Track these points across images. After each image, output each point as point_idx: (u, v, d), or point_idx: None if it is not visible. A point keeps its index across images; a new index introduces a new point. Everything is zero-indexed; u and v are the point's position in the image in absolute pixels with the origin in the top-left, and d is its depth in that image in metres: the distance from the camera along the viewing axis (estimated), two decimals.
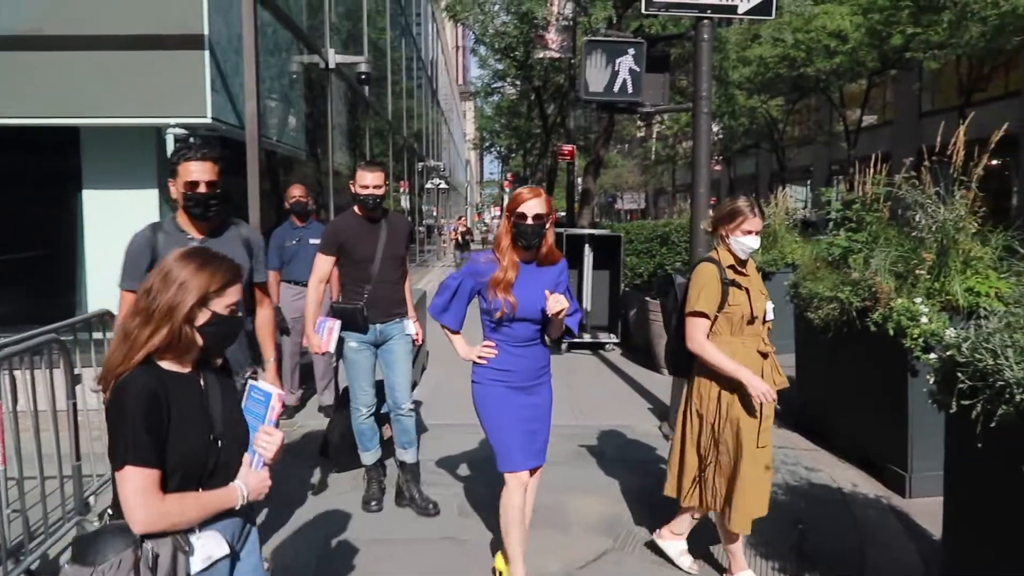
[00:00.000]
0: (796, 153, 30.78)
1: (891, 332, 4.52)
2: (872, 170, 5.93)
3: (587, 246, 9.88)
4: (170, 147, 6.03)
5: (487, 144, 39.53)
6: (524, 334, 3.24)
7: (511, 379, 3.27)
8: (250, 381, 2.07)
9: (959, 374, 2.46)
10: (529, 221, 3.10)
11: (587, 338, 9.75)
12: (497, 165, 54.85)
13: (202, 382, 1.88)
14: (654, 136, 37.49)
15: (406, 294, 4.67)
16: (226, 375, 2.00)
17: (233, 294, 1.84)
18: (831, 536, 4.09)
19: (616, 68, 6.09)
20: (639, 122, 35.36)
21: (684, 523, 3.76)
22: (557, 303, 3.07)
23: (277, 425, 1.98)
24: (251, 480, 1.89)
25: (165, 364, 1.81)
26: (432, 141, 30.01)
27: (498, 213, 57.13)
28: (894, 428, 4.66)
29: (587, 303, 9.85)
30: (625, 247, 9.82)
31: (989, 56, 18.73)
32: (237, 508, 1.87)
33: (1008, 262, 4.68)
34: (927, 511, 4.28)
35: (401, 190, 21.74)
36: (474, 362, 3.32)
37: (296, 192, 6.36)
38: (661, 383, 7.48)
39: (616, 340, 9.78)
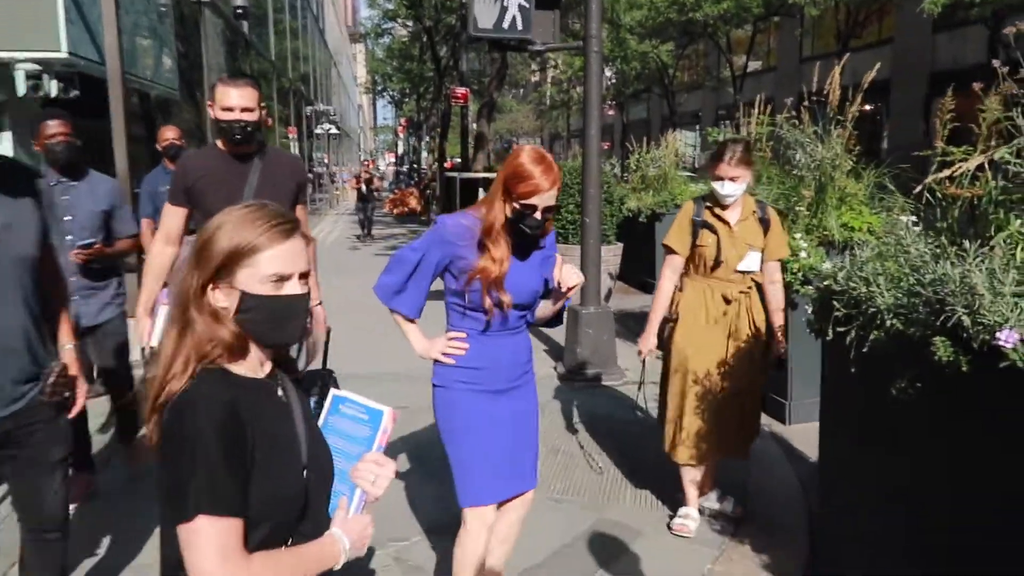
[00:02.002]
0: (686, 98, 31.41)
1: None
2: (756, 113, 6.08)
3: (481, 190, 9.77)
4: (20, 85, 5.49)
5: (379, 88, 38.37)
6: (507, 320, 2.48)
7: (486, 380, 2.49)
8: (333, 391, 1.60)
9: (835, 303, 2.55)
10: (538, 215, 2.36)
11: None
12: (391, 110, 53.51)
13: (281, 392, 1.41)
14: (549, 81, 37.38)
15: None
16: (295, 380, 1.50)
17: (276, 260, 1.31)
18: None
19: (505, 4, 5.93)
20: (533, 66, 35.13)
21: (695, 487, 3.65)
22: (574, 275, 2.41)
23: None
24: (353, 528, 1.42)
25: (237, 368, 1.35)
26: (321, 85, 28.87)
27: (393, 160, 55.92)
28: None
29: None
30: None
31: (864, 3, 19.52)
32: (338, 567, 1.39)
33: (879, 198, 4.91)
34: (805, 436, 4.51)
35: (290, 136, 20.87)
36: (435, 360, 2.54)
37: (169, 134, 5.92)
38: None
39: None
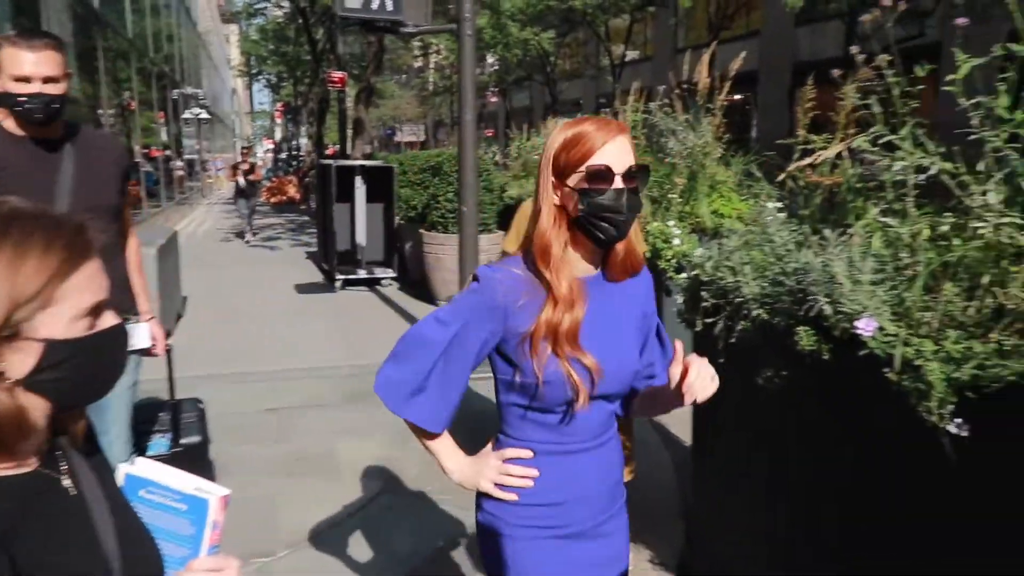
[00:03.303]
0: (567, 86, 31.79)
1: (647, 255, 4.69)
2: (631, 100, 6.11)
3: (358, 179, 9.46)
4: None
5: (255, 72, 36.78)
6: (594, 422, 1.61)
7: (565, 519, 1.62)
8: (126, 469, 1.14)
9: (704, 292, 2.52)
10: (618, 185, 1.46)
11: (362, 274, 9.42)
12: (267, 95, 51.47)
13: (69, 481, 1.00)
14: (431, 66, 36.96)
15: (131, 273, 2.81)
16: (92, 446, 1.09)
17: (88, 286, 0.94)
18: None
19: None
20: (416, 51, 34.60)
21: None
22: (709, 382, 1.50)
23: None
24: None
25: None
26: (190, 66, 27.32)
27: (271, 147, 53.73)
28: None
29: (361, 238, 9.49)
30: (398, 179, 9.52)
31: None
32: None
33: (748, 185, 5.01)
34: (682, 421, 4.57)
35: (159, 120, 19.60)
36: (488, 496, 1.63)
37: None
38: None
39: (393, 275, 9.55)
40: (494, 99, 32.27)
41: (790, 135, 2.95)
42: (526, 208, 3.08)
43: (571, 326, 1.49)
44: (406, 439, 4.44)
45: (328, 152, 22.23)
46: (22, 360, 0.88)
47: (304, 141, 39.66)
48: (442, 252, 7.94)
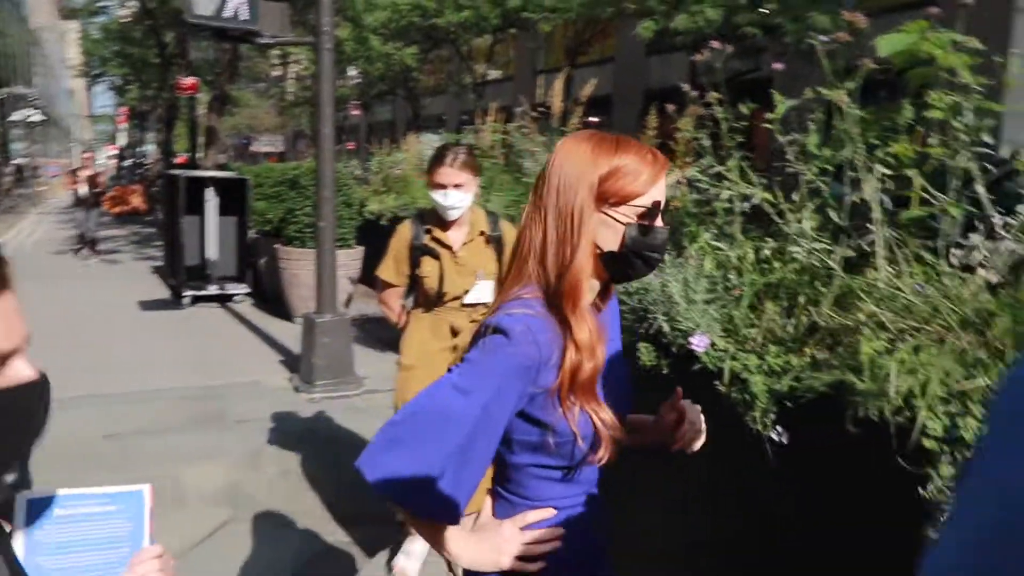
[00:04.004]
0: (430, 102, 31.85)
1: None
2: (491, 120, 6.24)
3: (209, 191, 9.06)
4: None
5: (96, 72, 34.37)
6: (599, 468, 1.46)
7: (593, 570, 1.48)
8: (26, 494, 1.04)
9: None
10: (662, 223, 1.34)
11: (213, 290, 9.01)
12: (111, 97, 48.18)
13: None
14: (292, 75, 35.94)
15: None
16: None
17: (3, 330, 0.82)
18: None
19: None
20: (274, 60, 33.55)
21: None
22: (697, 422, 1.51)
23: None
24: None
25: None
26: (21, 64, 25.19)
27: (116, 152, 50.25)
28: None
29: (212, 252, 9.08)
30: (254, 191, 9.20)
31: (589, 24, 21.11)
32: None
33: None
34: None
35: None
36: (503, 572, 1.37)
37: None
38: (293, 332, 7.18)
39: (247, 290, 9.20)
40: (356, 112, 31.82)
41: None
42: (402, 234, 2.91)
43: (592, 374, 1.31)
44: (255, 463, 4.28)
45: (177, 161, 21.09)
46: None
47: (151, 148, 37.45)
48: (299, 268, 7.73)
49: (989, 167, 2.18)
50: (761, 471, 2.04)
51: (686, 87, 2.50)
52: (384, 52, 22.77)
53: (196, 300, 8.88)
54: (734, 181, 2.19)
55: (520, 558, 1.34)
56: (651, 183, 1.29)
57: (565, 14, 19.84)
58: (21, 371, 0.83)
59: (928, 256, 2.13)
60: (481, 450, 1.27)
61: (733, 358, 2.06)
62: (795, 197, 2.17)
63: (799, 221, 2.14)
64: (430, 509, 1.27)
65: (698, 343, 2.07)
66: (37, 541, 1.03)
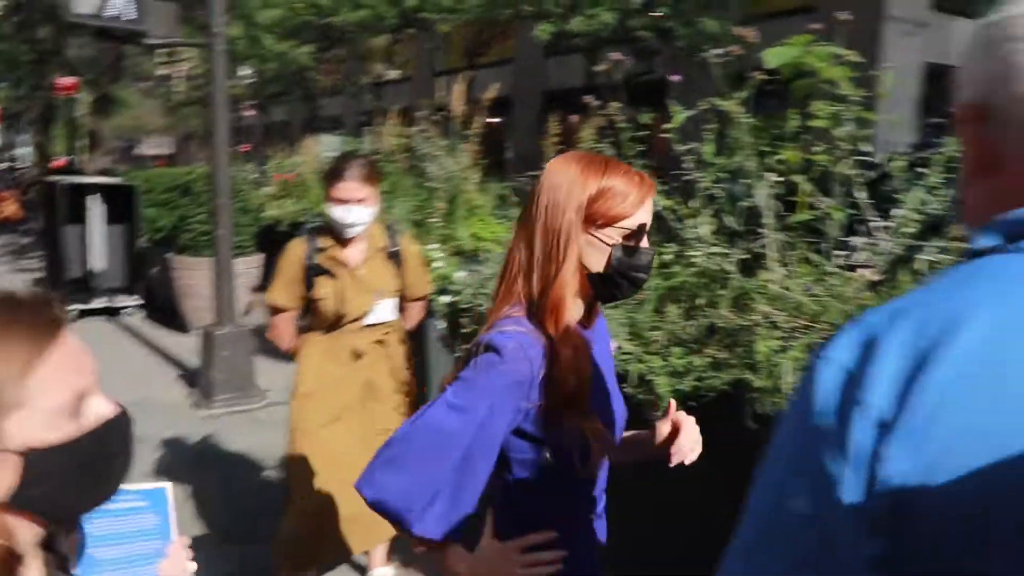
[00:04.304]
0: (327, 102, 31.26)
1: None
2: (391, 122, 6.19)
3: (93, 198, 8.58)
4: None
5: None
6: (601, 482, 1.52)
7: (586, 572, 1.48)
8: None
9: (463, 319, 2.62)
10: (646, 244, 1.38)
11: (100, 303, 8.55)
12: None
13: None
14: (182, 74, 34.48)
15: None
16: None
17: (64, 374, 0.80)
18: None
19: None
20: (161, 59, 32.11)
21: None
22: (693, 436, 1.51)
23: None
24: None
25: None
26: None
27: None
28: (418, 366, 4.97)
29: (97, 263, 8.61)
30: (143, 197, 8.79)
31: (488, 25, 21.23)
32: None
33: (503, 208, 5.28)
34: None
35: None
36: None
37: None
38: (188, 345, 6.90)
39: (138, 303, 8.77)
40: (250, 113, 30.87)
41: (540, 158, 3.16)
42: (293, 253, 2.74)
43: (580, 389, 1.34)
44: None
45: (55, 165, 19.89)
46: (0, 477, 0.73)
47: (25, 151, 35.14)
48: (194, 277, 7.43)
49: (866, 172, 2.33)
50: (665, 469, 2.12)
51: (588, 98, 2.56)
52: (278, 51, 22.18)
53: (83, 314, 8.40)
54: None
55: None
56: (638, 205, 1.32)
57: (463, 15, 19.89)
58: (100, 408, 0.83)
59: (815, 257, 2.26)
60: (478, 468, 1.28)
61: (639, 360, 2.12)
62: (693, 203, 2.26)
63: (697, 226, 2.23)
64: (428, 528, 1.28)
65: (615, 347, 2.12)
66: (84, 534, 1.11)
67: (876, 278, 2.25)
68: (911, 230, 2.25)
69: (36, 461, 0.75)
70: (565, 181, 1.33)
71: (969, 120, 0.74)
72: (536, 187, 1.36)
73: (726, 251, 2.20)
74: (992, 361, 0.60)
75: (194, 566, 1.22)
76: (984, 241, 0.70)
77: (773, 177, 2.22)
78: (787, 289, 2.13)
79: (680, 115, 2.18)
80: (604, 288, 1.37)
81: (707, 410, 2.04)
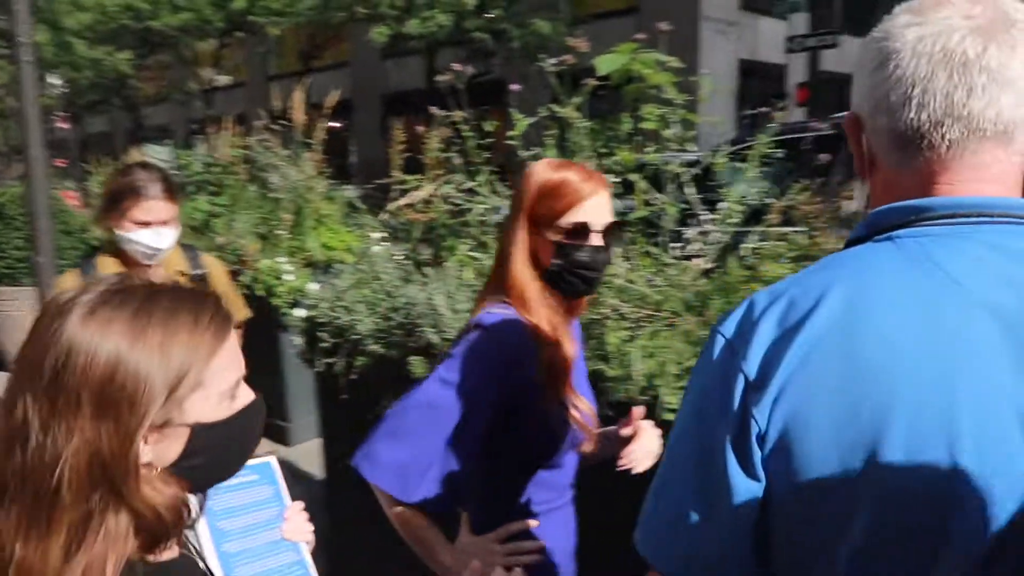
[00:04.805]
0: (152, 111, 29.41)
1: (262, 292, 4.63)
2: (227, 131, 5.94)
3: None
4: None
5: None
6: (572, 472, 1.56)
7: (564, 562, 1.53)
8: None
9: (321, 333, 2.59)
10: (596, 242, 1.42)
11: None
12: None
13: (203, 565, 1.01)
14: None
15: None
16: None
17: (230, 362, 0.89)
18: None
19: None
20: None
21: None
22: (650, 445, 1.51)
23: None
24: None
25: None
26: None
27: None
28: (273, 383, 4.83)
29: None
30: None
31: (321, 28, 20.76)
32: None
33: (352, 217, 5.23)
34: (308, 455, 4.57)
35: None
36: None
37: None
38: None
39: None
40: (63, 124, 28.49)
41: (385, 162, 3.18)
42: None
43: (565, 366, 1.41)
44: None
45: None
46: (168, 447, 0.84)
47: None
48: (13, 309, 6.80)
49: (693, 169, 2.53)
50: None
51: (433, 109, 2.61)
52: (92, 57, 20.63)
53: None
54: (485, 195, 2.34)
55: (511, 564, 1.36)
56: (574, 203, 1.39)
57: (294, 18, 19.34)
58: (247, 394, 0.93)
59: (654, 250, 2.43)
60: (468, 444, 1.35)
61: None
62: None
63: None
64: (422, 497, 1.34)
65: None
66: (210, 509, 1.20)
67: (708, 266, 2.45)
68: (735, 220, 2.47)
69: (200, 435, 0.86)
70: (525, 182, 1.44)
71: (850, 127, 0.86)
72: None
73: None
74: (842, 331, 0.71)
75: (311, 527, 1.31)
76: (854, 233, 0.83)
77: (611, 177, 2.36)
78: (631, 282, 2.28)
79: (522, 122, 2.27)
80: (557, 285, 1.43)
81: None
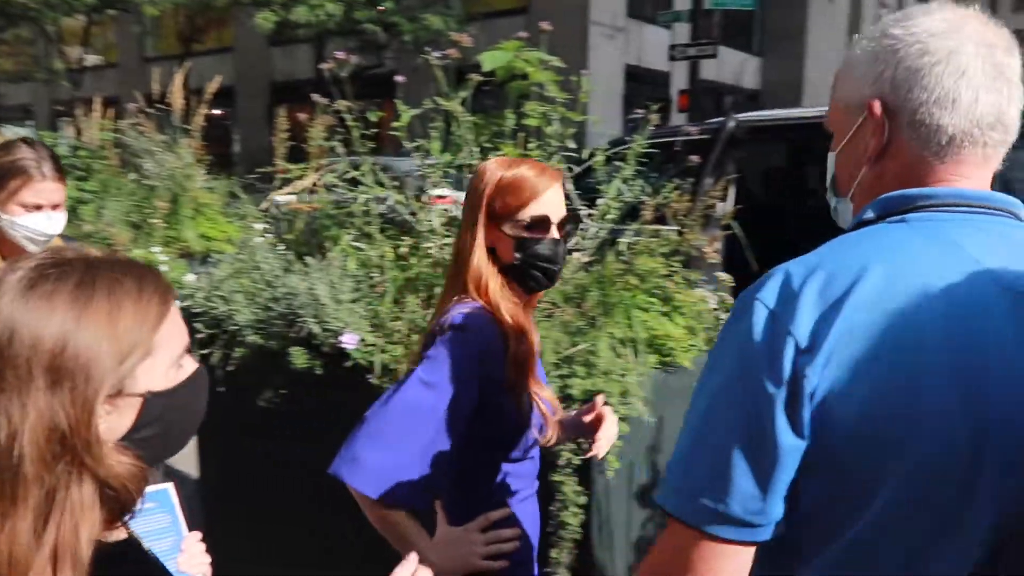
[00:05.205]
0: (11, 90, 27.30)
1: None
2: (97, 114, 5.62)
3: None
4: None
5: None
6: (538, 463, 1.60)
7: (531, 560, 1.58)
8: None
9: (196, 324, 2.51)
10: (554, 234, 1.47)
11: None
12: None
13: (147, 545, 0.98)
14: None
15: None
16: None
17: (177, 328, 0.89)
18: None
19: None
20: None
21: None
22: (613, 431, 1.63)
23: None
24: None
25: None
26: None
27: None
28: None
29: None
30: None
31: (202, 10, 19.86)
32: None
33: (233, 206, 5.06)
34: (183, 457, 4.40)
35: None
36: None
37: None
38: None
39: None
40: None
41: (270, 151, 3.11)
42: None
43: (528, 355, 1.44)
44: None
45: None
46: (120, 417, 0.84)
47: None
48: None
49: (574, 166, 2.61)
50: None
51: (317, 97, 2.57)
52: None
53: None
54: (369, 185, 2.34)
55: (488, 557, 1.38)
56: (531, 198, 1.41)
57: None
58: (190, 364, 0.92)
59: None
60: (451, 439, 1.36)
61: (383, 351, 2.20)
62: (424, 198, 2.38)
63: (429, 219, 2.36)
64: (406, 498, 1.33)
65: (348, 341, 2.17)
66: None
67: (587, 259, 2.54)
68: (613, 216, 2.57)
69: (151, 405, 0.85)
70: (479, 180, 1.46)
71: (874, 114, 0.91)
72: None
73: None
74: (882, 304, 0.80)
75: (208, 558, 1.27)
76: (867, 214, 0.91)
77: None
78: None
79: (407, 114, 2.28)
80: (522, 279, 1.47)
81: None
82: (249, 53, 21.39)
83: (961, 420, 0.79)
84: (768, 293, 0.85)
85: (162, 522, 1.28)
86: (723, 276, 2.70)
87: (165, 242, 4.63)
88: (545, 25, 2.48)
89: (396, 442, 1.34)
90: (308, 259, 2.35)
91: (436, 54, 2.46)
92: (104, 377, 0.80)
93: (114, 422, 0.84)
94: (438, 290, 2.37)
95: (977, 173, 0.89)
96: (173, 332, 0.88)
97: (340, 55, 2.35)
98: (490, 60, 2.50)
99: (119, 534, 0.90)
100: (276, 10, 14.64)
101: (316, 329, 2.21)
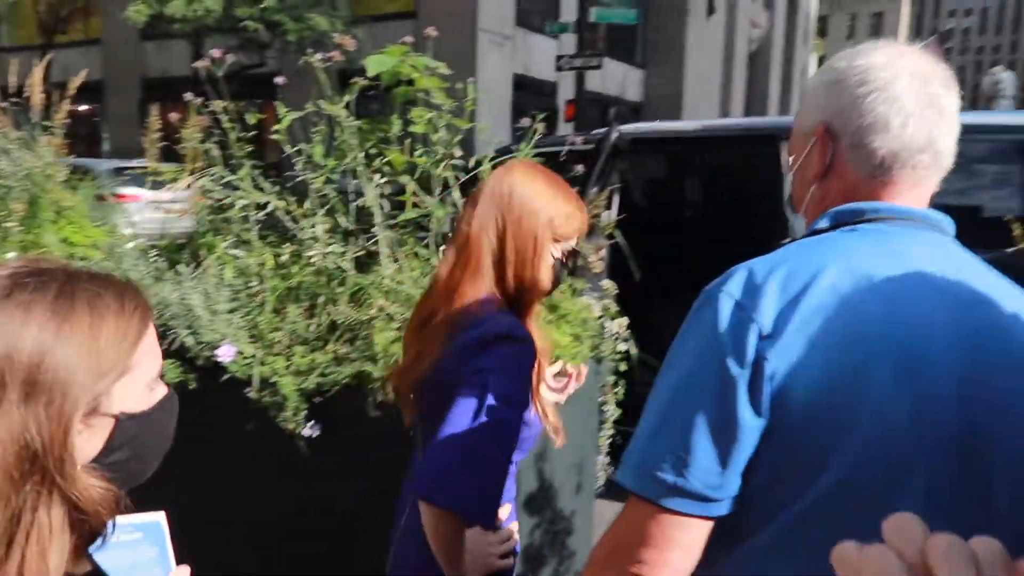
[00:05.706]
0: None
1: None
2: None
3: None
4: None
5: None
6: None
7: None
8: None
9: None
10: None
11: None
12: None
13: None
14: None
15: None
16: None
17: (153, 351, 0.85)
18: None
19: None
20: None
21: None
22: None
23: None
24: None
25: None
26: None
27: None
28: None
29: None
30: None
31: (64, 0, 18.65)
32: None
33: (100, 210, 4.75)
34: None
35: None
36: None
37: None
38: None
39: None
40: None
41: (141, 150, 2.94)
42: None
43: (542, 365, 1.49)
44: None
45: None
46: (91, 439, 0.80)
47: None
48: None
49: (460, 173, 2.60)
50: (301, 465, 2.15)
51: (190, 96, 2.44)
52: None
53: None
54: (247, 190, 2.24)
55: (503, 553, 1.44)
56: (581, 230, 1.49)
57: None
58: (161, 388, 0.89)
59: (423, 251, 2.47)
60: (515, 452, 1.40)
61: (262, 363, 2.12)
62: (307, 204, 2.31)
63: (312, 226, 2.29)
64: (492, 517, 1.34)
65: (224, 354, 2.07)
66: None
67: None
68: None
69: (123, 427, 0.82)
70: (536, 193, 1.43)
71: (820, 138, 1.02)
72: (497, 187, 1.43)
73: (341, 250, 2.28)
74: (835, 299, 0.89)
75: None
76: (821, 224, 1.01)
77: (380, 179, 2.36)
78: (399, 283, 2.30)
79: (287, 117, 2.20)
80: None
81: (332, 404, 2.12)
82: (119, 46, 20.21)
83: (900, 404, 0.87)
84: (734, 286, 0.93)
85: (149, 554, 1.20)
86: (607, 284, 2.76)
87: (23, 247, 4.29)
88: (431, 31, 2.46)
89: (491, 465, 1.33)
90: (181, 267, 2.22)
91: (319, 56, 2.39)
92: (82, 393, 0.76)
93: (85, 442, 0.80)
94: (321, 299, 2.31)
95: (910, 193, 0.99)
96: (150, 352, 0.86)
97: (216, 54, 2.25)
98: (375, 64, 2.45)
99: (83, 567, 0.85)
100: (149, 2, 13.91)
101: (189, 341, 2.10)
